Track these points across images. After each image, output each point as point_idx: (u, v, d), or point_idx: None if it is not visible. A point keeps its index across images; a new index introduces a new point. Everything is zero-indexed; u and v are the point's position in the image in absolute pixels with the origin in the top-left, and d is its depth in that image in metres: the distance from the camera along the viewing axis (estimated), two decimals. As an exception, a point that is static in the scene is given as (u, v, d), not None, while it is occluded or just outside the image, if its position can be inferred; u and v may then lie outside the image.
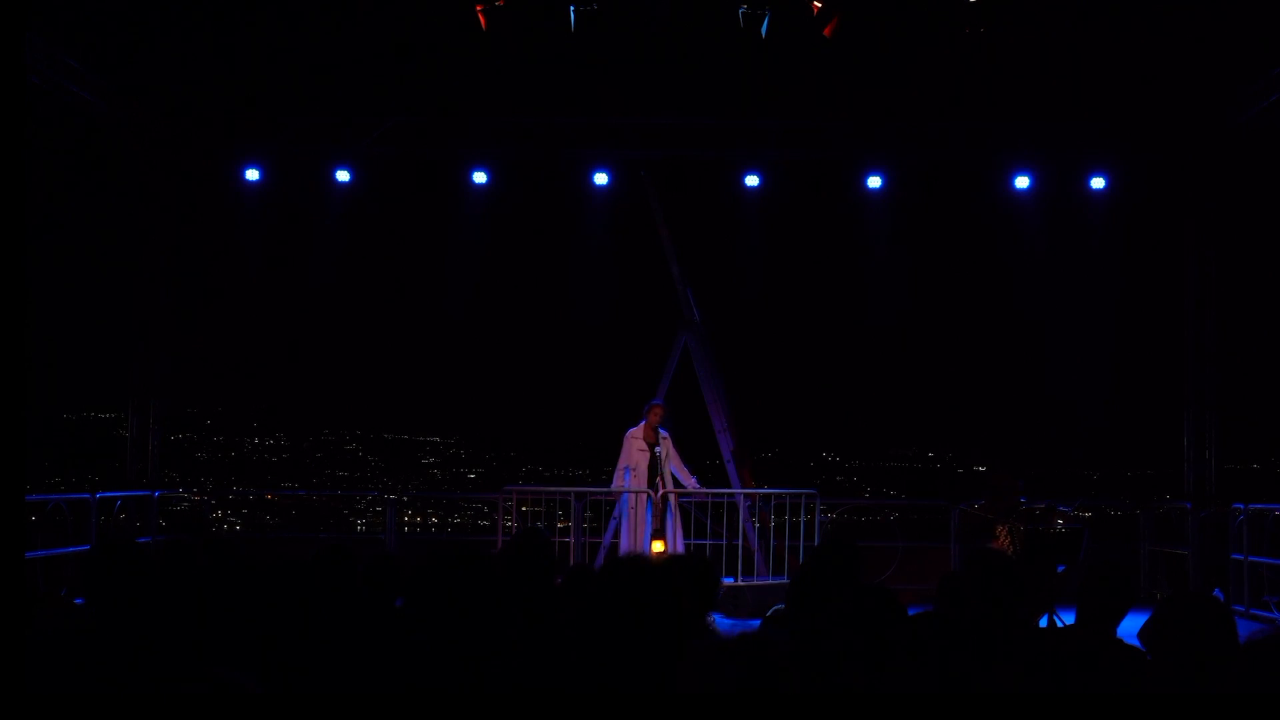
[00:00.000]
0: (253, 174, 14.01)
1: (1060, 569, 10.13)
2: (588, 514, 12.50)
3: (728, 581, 11.60)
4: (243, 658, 3.49)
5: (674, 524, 12.25)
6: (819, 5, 10.84)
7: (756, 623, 5.11)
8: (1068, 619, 8.21)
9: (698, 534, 12.51)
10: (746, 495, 12.85)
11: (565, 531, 12.45)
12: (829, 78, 12.59)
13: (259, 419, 27.61)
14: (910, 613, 3.55)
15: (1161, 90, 12.86)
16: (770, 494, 13.06)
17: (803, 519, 12.30)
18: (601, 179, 14.02)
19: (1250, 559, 11.95)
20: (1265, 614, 11.75)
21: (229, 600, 3.72)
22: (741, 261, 16.34)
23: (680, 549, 12.03)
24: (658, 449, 12.34)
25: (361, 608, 4.32)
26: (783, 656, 2.84)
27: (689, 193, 14.62)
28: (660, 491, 12.18)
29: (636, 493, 12.25)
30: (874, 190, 13.98)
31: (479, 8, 10.89)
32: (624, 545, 12.20)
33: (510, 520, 12.12)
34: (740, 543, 12.34)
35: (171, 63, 12.57)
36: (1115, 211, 14.27)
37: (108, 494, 13.03)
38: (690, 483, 12.45)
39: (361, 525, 20.41)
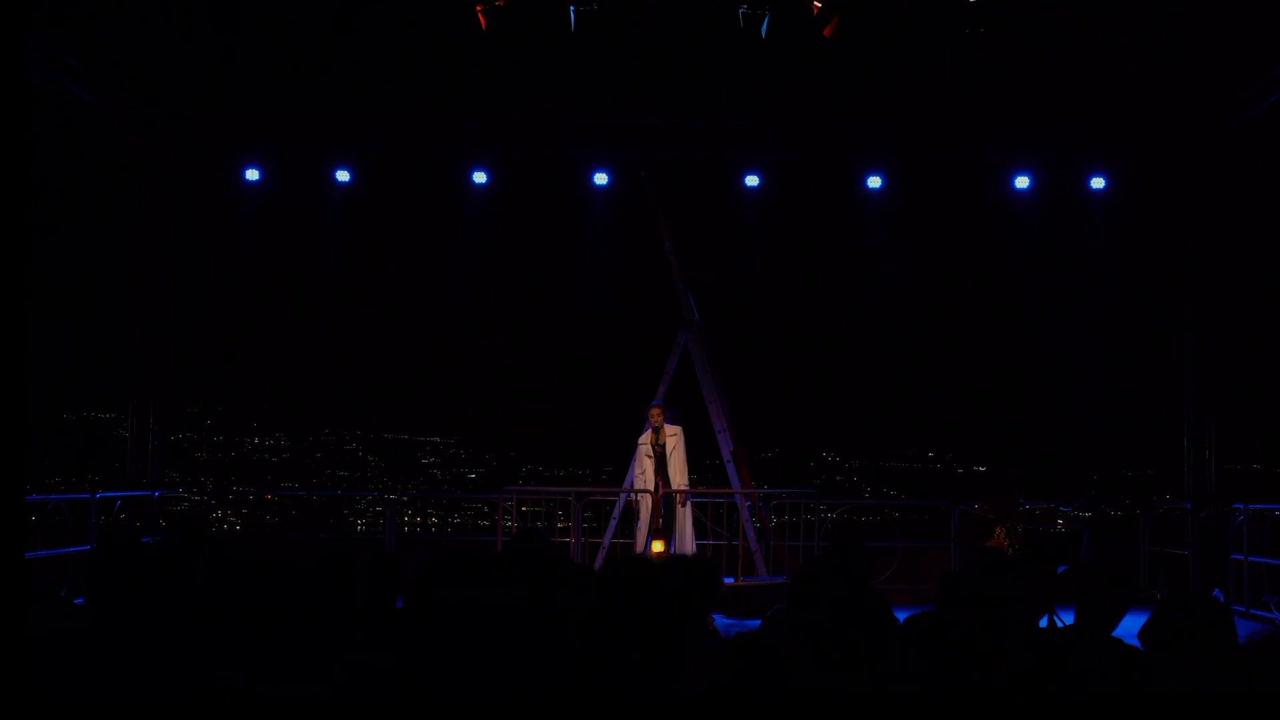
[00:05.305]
0: (253, 174, 14.02)
1: (1060, 569, 10.12)
2: (588, 514, 12.50)
3: (728, 581, 11.60)
4: (243, 658, 3.49)
5: (684, 524, 12.25)
6: (819, 5, 10.84)
7: (756, 623, 5.11)
8: (1068, 619, 8.21)
9: (698, 534, 12.51)
10: (746, 495, 12.85)
11: (565, 531, 12.46)
12: (829, 78, 12.59)
13: (259, 419, 27.56)
14: (910, 613, 3.55)
15: (1161, 90, 12.86)
16: (770, 494, 13.06)
17: (803, 519, 12.30)
18: (601, 179, 14.02)
19: (1250, 559, 11.95)
20: (1265, 614, 11.74)
21: (229, 600, 3.72)
22: (741, 261, 16.33)
23: (691, 548, 12.04)
24: (660, 447, 12.36)
25: (361, 608, 4.32)
26: (783, 656, 2.84)
27: (689, 193, 14.61)
28: (661, 491, 12.19)
29: (639, 492, 12.26)
30: (874, 190, 13.99)
31: (479, 8, 10.89)
32: (638, 545, 12.27)
33: (510, 520, 12.14)
34: (740, 543, 12.34)
35: (171, 63, 12.57)
36: (1115, 211, 14.27)
37: (108, 494, 13.04)
38: (682, 485, 12.42)
39: (361, 525, 20.41)
